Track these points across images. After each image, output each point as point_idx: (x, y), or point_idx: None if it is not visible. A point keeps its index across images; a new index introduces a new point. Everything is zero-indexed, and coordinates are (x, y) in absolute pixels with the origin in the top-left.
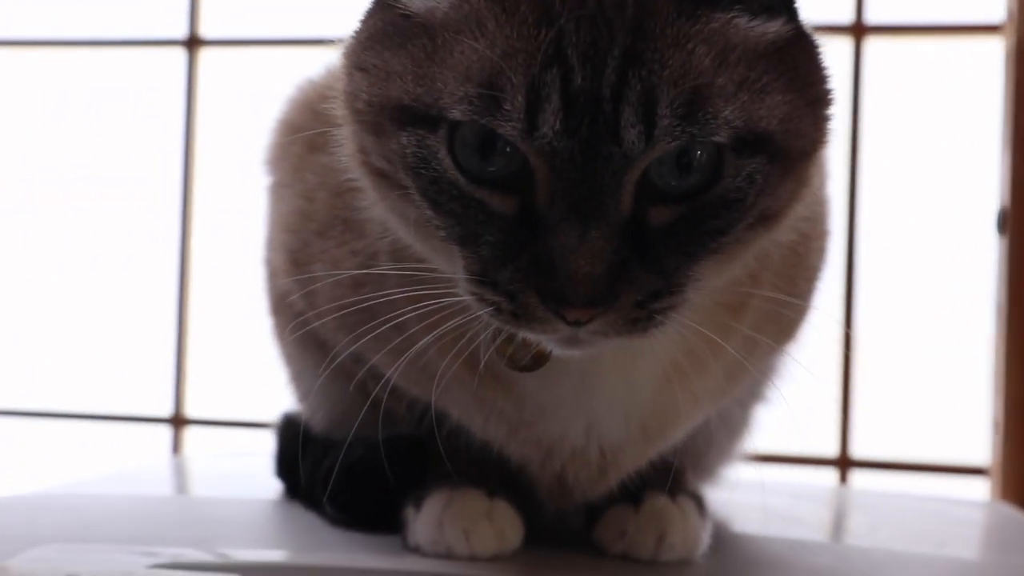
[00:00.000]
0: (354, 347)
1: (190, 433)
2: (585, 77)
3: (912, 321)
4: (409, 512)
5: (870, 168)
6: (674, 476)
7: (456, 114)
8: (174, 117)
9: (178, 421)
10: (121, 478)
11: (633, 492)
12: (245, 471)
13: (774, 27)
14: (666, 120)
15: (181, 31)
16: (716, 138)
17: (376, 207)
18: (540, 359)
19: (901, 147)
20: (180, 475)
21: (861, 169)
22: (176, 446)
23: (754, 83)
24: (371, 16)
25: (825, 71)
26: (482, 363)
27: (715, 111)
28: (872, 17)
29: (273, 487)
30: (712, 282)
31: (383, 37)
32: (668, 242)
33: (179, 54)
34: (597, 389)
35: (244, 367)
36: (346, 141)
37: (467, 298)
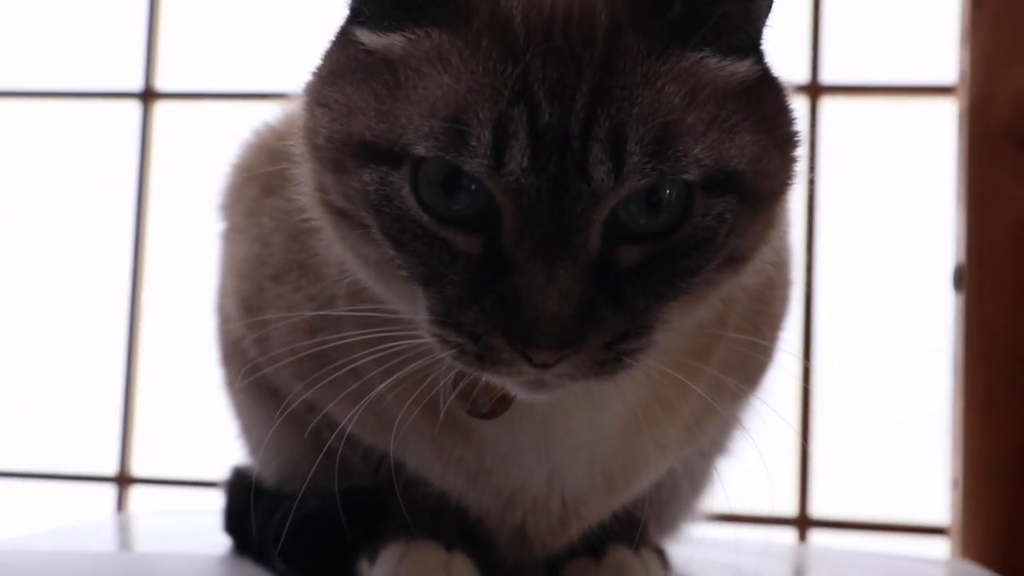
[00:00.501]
0: (308, 394)
1: (136, 492)
2: (553, 113)
3: (870, 378)
4: (363, 566)
5: (827, 226)
6: (636, 529)
7: (420, 150)
8: (128, 169)
9: (123, 480)
10: (63, 534)
11: (595, 545)
12: (192, 528)
13: (743, 67)
14: (635, 158)
15: (137, 84)
16: (686, 176)
17: (335, 247)
18: (501, 405)
19: (857, 205)
20: (124, 531)
21: (818, 227)
22: (121, 506)
23: (724, 122)
24: (333, 52)
25: (791, 113)
26: (442, 410)
27: (685, 149)
28: (828, 77)
29: (222, 543)
30: (680, 324)
31: (345, 73)
32: (636, 282)
33: (134, 107)
34: (560, 436)
35: (193, 424)
36: (305, 180)
37: (430, 340)
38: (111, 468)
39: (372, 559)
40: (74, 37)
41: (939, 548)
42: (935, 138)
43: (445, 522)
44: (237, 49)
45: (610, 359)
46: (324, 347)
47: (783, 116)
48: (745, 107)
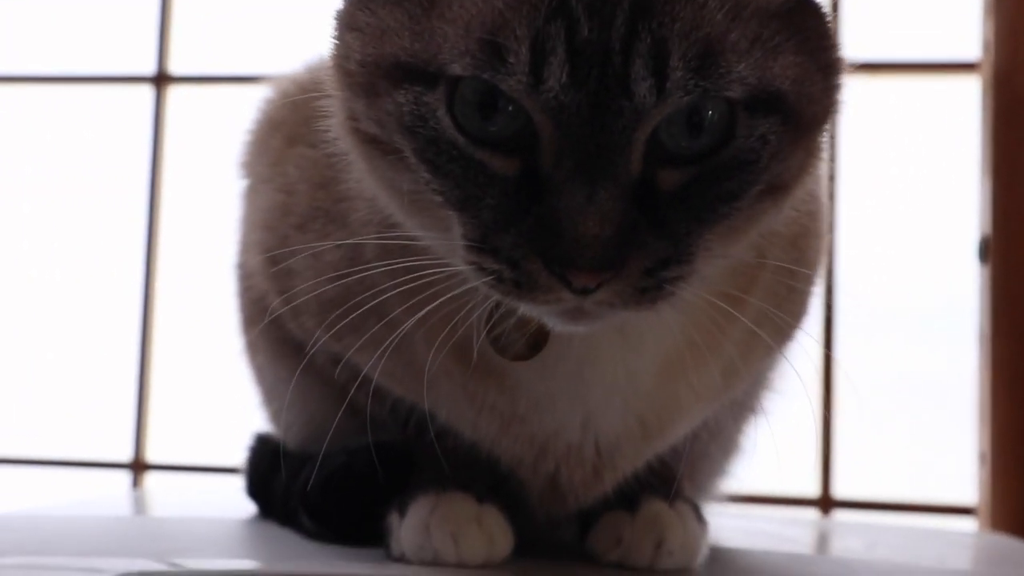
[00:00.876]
0: (335, 344)
1: (151, 478)
2: (592, 29)
3: (894, 354)
4: (393, 519)
5: (850, 202)
6: (670, 481)
7: (456, 69)
8: (141, 153)
9: (138, 466)
10: (80, 505)
11: (629, 498)
12: (211, 499)
13: None
14: (679, 73)
15: (150, 68)
16: (729, 93)
17: (365, 180)
18: (536, 347)
19: (881, 181)
20: (141, 502)
21: (841, 203)
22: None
23: (767, 41)
24: None
25: (834, 39)
26: (475, 349)
27: (728, 66)
28: (849, 55)
29: (243, 510)
30: (722, 254)
31: None
32: (679, 206)
33: (147, 91)
34: (594, 380)
35: (208, 410)
36: (335, 111)
37: (464, 268)
38: (126, 454)
39: (402, 512)
40: (87, 21)
41: (967, 528)
42: (958, 113)
43: (476, 474)
44: (250, 32)
45: (651, 286)
46: (349, 287)
47: (825, 40)
48: (788, 28)
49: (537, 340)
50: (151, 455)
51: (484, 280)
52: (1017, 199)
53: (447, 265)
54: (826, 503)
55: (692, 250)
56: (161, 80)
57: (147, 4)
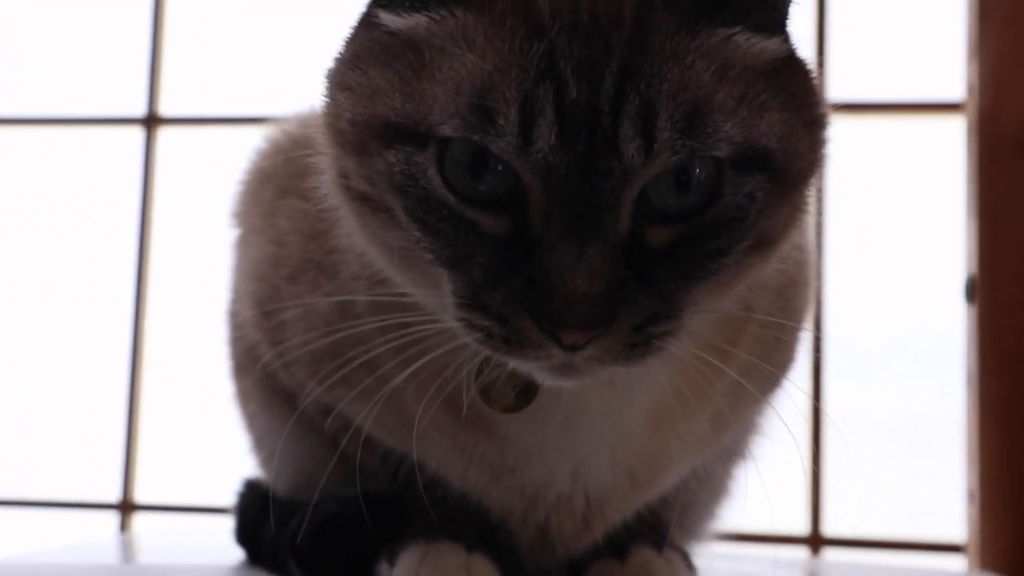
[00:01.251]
0: (324, 394)
1: (139, 519)
2: (580, 91)
3: (883, 393)
4: (382, 568)
5: (837, 242)
6: (660, 529)
7: (447, 130)
8: (131, 195)
9: (127, 507)
10: (67, 552)
11: (618, 546)
12: (199, 544)
13: (772, 45)
14: (666, 133)
15: (140, 109)
16: (716, 152)
17: (356, 236)
18: (525, 398)
19: (867, 221)
20: (129, 548)
21: (828, 242)
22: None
23: (753, 100)
24: (355, 36)
25: (818, 95)
26: (465, 402)
27: (716, 125)
28: (835, 95)
29: (232, 556)
30: (709, 308)
31: (368, 56)
32: (667, 264)
33: (137, 132)
34: (584, 431)
35: (197, 450)
36: (326, 167)
37: (455, 325)
38: (114, 495)
39: (392, 561)
40: (76, 63)
41: (956, 566)
42: (944, 153)
43: (466, 524)
44: (241, 73)
45: (640, 342)
46: (341, 340)
47: (811, 97)
48: (774, 86)
49: (526, 392)
50: (140, 496)
51: (474, 336)
52: (1002, 239)
53: (437, 321)
54: (816, 541)
55: (681, 306)
56: (152, 122)
57: (137, 45)
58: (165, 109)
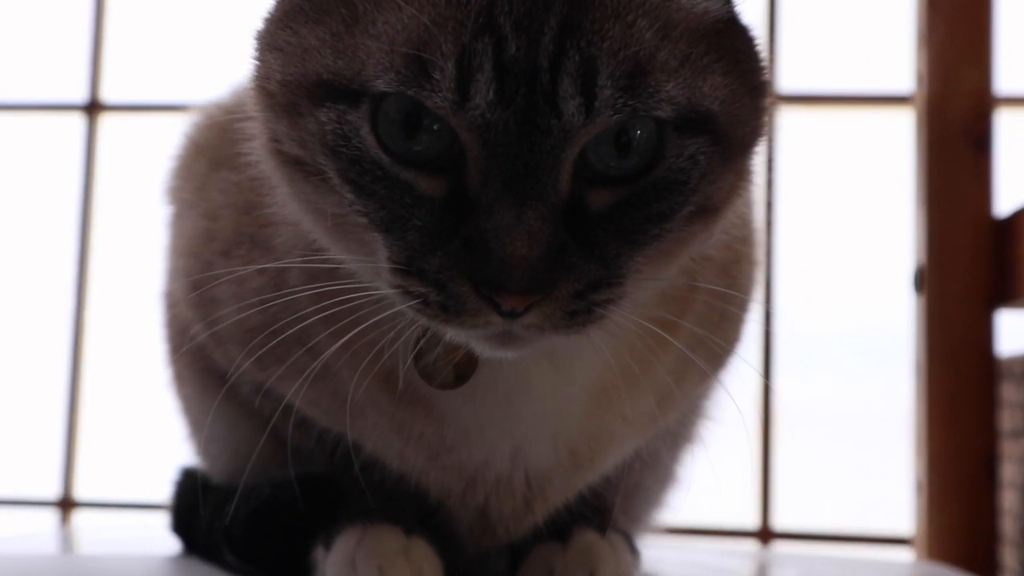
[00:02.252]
0: (259, 374)
1: (80, 516)
2: (520, 46)
3: (831, 384)
4: (318, 553)
5: (786, 233)
6: (603, 512)
7: (380, 85)
8: (73, 182)
9: (67, 504)
10: (6, 543)
11: (561, 529)
12: (137, 535)
13: (715, 5)
14: (607, 91)
15: (82, 95)
16: (659, 112)
17: (288, 204)
18: (464, 374)
19: (816, 212)
20: (68, 540)
21: (777, 233)
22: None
23: (697, 61)
24: None
25: (762, 62)
26: (401, 377)
27: (657, 84)
28: (785, 87)
29: (170, 546)
30: (653, 276)
31: (298, 14)
32: (608, 228)
33: (79, 119)
34: (524, 409)
35: (140, 444)
36: (258, 133)
37: (390, 292)
38: (54, 492)
39: (328, 546)
40: (17, 49)
41: (905, 557)
42: (893, 145)
43: (404, 506)
44: (183, 59)
45: (581, 309)
46: (274, 315)
47: (754, 63)
48: (717, 48)
49: (465, 368)
50: (80, 492)
51: (410, 304)
52: (950, 228)
53: (372, 289)
54: (765, 535)
55: (622, 272)
56: (93, 108)
57: (79, 31)
58: (107, 96)
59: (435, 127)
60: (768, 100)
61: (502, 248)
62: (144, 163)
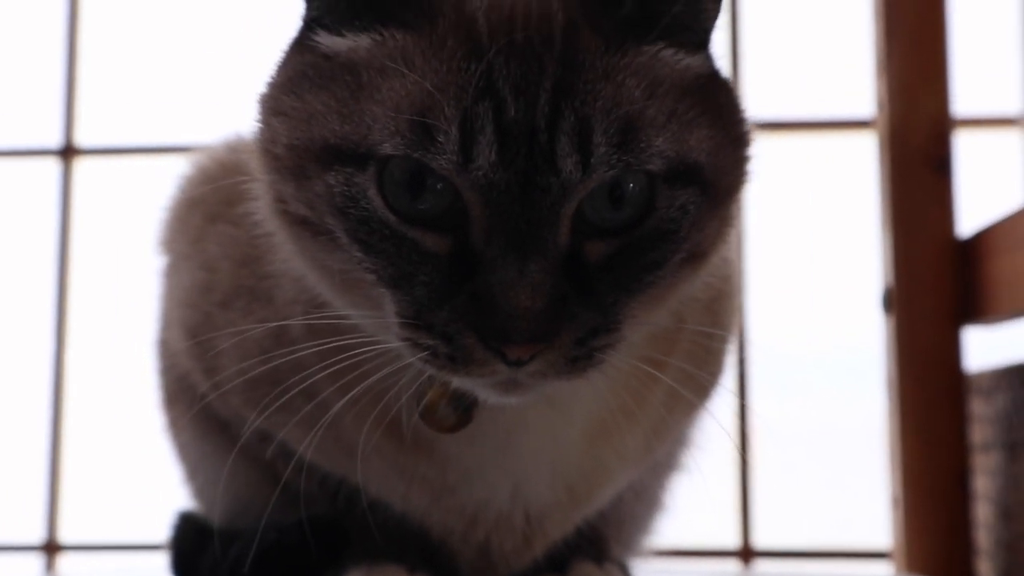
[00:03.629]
0: (261, 422)
1: (65, 560)
2: (519, 109)
3: (806, 405)
4: None
5: (756, 259)
6: (599, 543)
7: (387, 149)
8: (48, 228)
9: (52, 548)
10: None
11: (559, 562)
12: (129, 570)
13: (696, 62)
14: (602, 149)
15: (56, 140)
16: (650, 166)
17: (294, 261)
18: (465, 417)
19: (784, 238)
20: None
21: (747, 260)
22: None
23: (683, 115)
24: (288, 60)
25: (743, 113)
26: (408, 426)
27: (648, 140)
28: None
29: None
30: (646, 321)
31: (302, 80)
32: (605, 277)
33: (53, 164)
34: (523, 449)
35: (125, 485)
36: (262, 194)
37: (399, 345)
38: (38, 536)
39: None
40: None
41: (884, 572)
42: (857, 169)
43: (407, 545)
44: (158, 102)
45: (582, 355)
46: (277, 367)
47: (736, 115)
48: (701, 103)
49: (466, 411)
50: (65, 535)
51: (419, 356)
52: (915, 250)
53: (377, 343)
54: (747, 554)
55: (620, 319)
56: (68, 153)
57: (51, 75)
58: (81, 140)
59: (439, 187)
60: (750, 149)
61: (507, 301)
62: (121, 207)
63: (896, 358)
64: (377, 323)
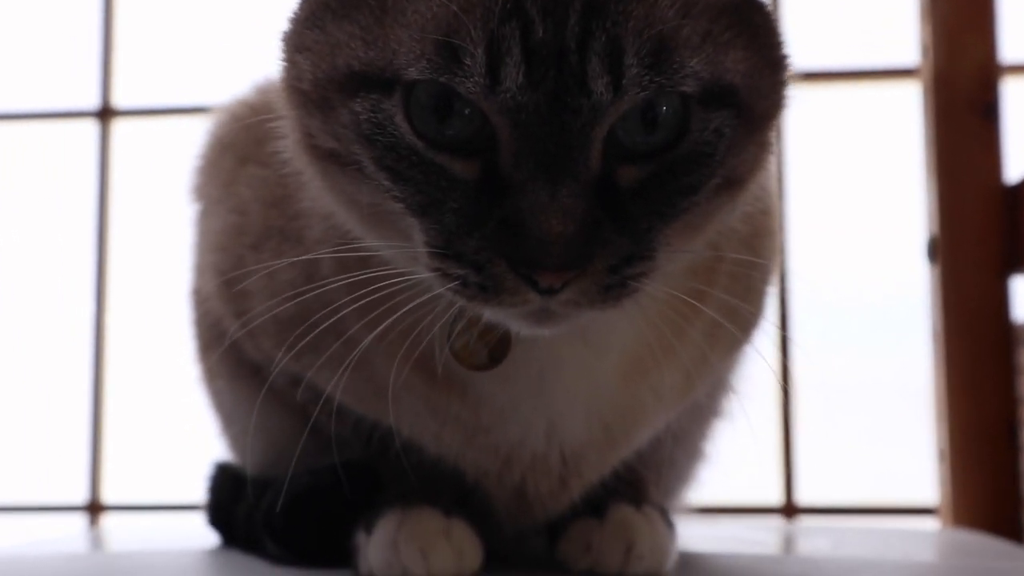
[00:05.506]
0: (293, 364)
1: (108, 520)
2: (547, 29)
3: (850, 359)
4: (360, 537)
5: (798, 210)
6: (637, 487)
7: (412, 73)
8: (87, 189)
9: (95, 508)
10: (35, 544)
11: (596, 505)
12: (173, 534)
13: None
14: (634, 70)
15: (93, 102)
16: (684, 88)
17: (323, 197)
18: (498, 355)
19: (827, 189)
20: (99, 540)
21: (791, 211)
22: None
23: (718, 36)
24: None
25: (780, 36)
26: (439, 362)
27: (682, 61)
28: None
29: (208, 539)
30: (682, 249)
31: (324, 12)
32: (639, 203)
33: (91, 125)
34: (557, 387)
35: (167, 446)
36: (288, 131)
37: (428, 275)
38: (81, 496)
39: (369, 530)
40: (27, 57)
41: (930, 526)
42: (901, 118)
43: (442, 489)
44: (195, 62)
45: (616, 284)
46: (307, 306)
47: (772, 37)
48: (737, 24)
49: (498, 349)
50: (108, 496)
51: (449, 286)
52: (961, 197)
53: (406, 276)
54: (790, 510)
55: (654, 246)
56: (106, 114)
57: (88, 36)
58: (119, 100)
59: (466, 111)
60: (787, 74)
61: (538, 226)
62: (159, 167)
63: (942, 309)
64: (406, 255)
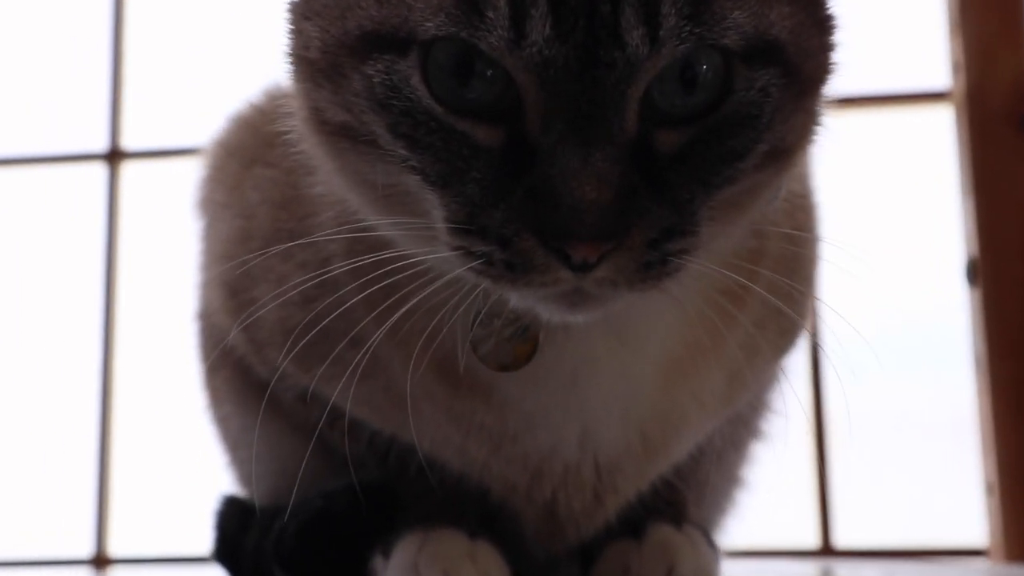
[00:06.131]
0: (303, 376)
1: (114, 574)
2: None
3: (888, 389)
4: (377, 562)
5: (833, 236)
6: (677, 505)
7: (430, 29)
8: (96, 232)
9: (100, 561)
10: None
11: (634, 525)
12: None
13: None
14: (672, 20)
15: (102, 144)
16: (725, 41)
17: (333, 180)
18: (525, 353)
19: (863, 214)
20: None
21: (825, 239)
22: None
23: None
24: None
25: None
26: (461, 360)
27: (722, 12)
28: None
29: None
30: (727, 222)
31: None
32: (680, 170)
33: (100, 168)
34: (591, 389)
35: (171, 500)
36: (296, 109)
37: (449, 255)
38: (87, 550)
39: (387, 553)
40: (36, 100)
41: (980, 567)
42: (933, 142)
43: (465, 508)
44: (203, 103)
45: (655, 260)
46: (318, 312)
47: None
48: None
49: (527, 347)
50: (114, 549)
51: (472, 265)
52: (1000, 216)
53: (423, 261)
54: (827, 553)
55: (697, 219)
56: (115, 157)
57: (97, 80)
58: (128, 143)
59: (488, 72)
60: (834, 36)
61: (570, 193)
62: (168, 209)
63: (984, 333)
64: (424, 236)
